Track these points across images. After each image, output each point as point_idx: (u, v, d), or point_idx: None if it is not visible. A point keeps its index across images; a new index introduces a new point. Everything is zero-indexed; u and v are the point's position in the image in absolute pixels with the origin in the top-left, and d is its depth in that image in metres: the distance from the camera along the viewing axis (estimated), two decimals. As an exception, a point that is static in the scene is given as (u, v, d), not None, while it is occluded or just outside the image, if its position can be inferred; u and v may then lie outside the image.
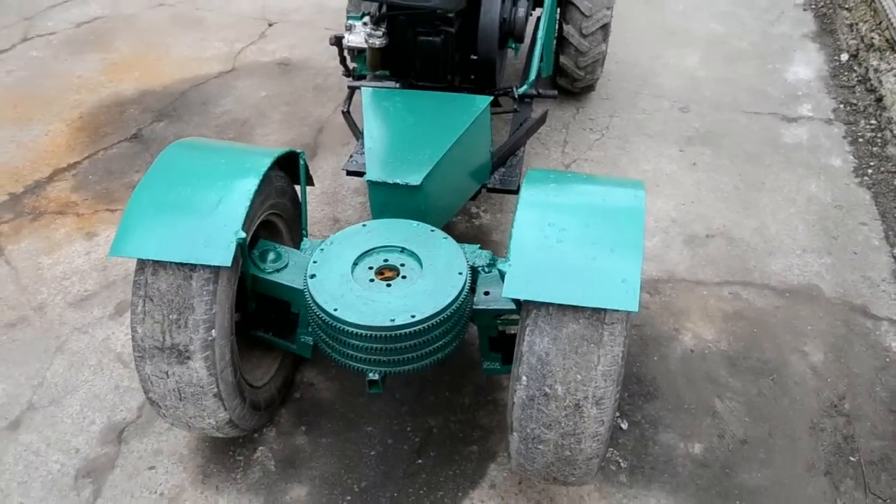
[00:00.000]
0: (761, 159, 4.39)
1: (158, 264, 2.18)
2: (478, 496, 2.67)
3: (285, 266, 2.50)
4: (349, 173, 3.18)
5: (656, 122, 4.66)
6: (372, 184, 2.55)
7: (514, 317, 2.49)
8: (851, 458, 2.85)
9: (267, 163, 2.35)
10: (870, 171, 4.35)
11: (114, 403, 2.97)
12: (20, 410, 2.93)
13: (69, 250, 3.68)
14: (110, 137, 4.41)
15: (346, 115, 3.75)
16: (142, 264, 2.20)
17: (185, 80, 4.89)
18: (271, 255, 2.49)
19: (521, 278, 2.05)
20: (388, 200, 2.56)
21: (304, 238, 2.75)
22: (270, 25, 5.63)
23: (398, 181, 2.52)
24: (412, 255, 2.34)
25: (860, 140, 4.61)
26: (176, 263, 2.16)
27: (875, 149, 4.52)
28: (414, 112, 2.89)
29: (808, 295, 3.54)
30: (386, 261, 2.33)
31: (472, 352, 3.09)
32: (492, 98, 2.95)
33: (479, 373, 3.08)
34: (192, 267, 2.16)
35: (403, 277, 2.27)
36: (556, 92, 3.60)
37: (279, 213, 2.66)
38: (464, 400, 2.98)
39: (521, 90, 3.28)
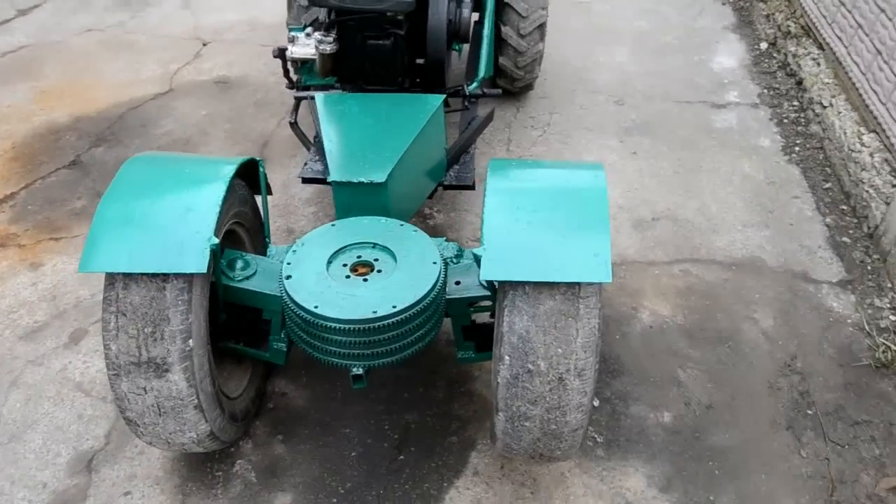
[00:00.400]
0: (696, 144, 4.58)
1: (129, 277, 2.14)
2: (463, 484, 2.70)
3: (254, 273, 2.49)
4: (305, 181, 3.18)
5: (594, 116, 4.81)
6: (336, 185, 2.57)
7: (486, 303, 2.54)
8: (809, 412, 3.00)
9: (231, 170, 2.35)
10: (797, 148, 4.60)
11: (79, 433, 2.88)
12: (-21, 450, 2.82)
13: (14, 283, 3.55)
14: (47, 166, 4.29)
15: (294, 126, 3.76)
16: (111, 279, 2.16)
17: (121, 104, 4.79)
18: (239, 263, 2.48)
19: (496, 261, 2.11)
20: (353, 200, 2.58)
21: (268, 244, 2.75)
22: (205, 45, 5.57)
23: (363, 179, 2.55)
24: (384, 249, 2.37)
25: (785, 121, 4.86)
26: (149, 275, 2.13)
27: (800, 128, 4.78)
28: (369, 114, 2.93)
29: (753, 266, 3.72)
30: (359, 257, 2.36)
31: (441, 347, 3.14)
32: (444, 96, 3.01)
33: (450, 367, 3.13)
34: (165, 277, 2.14)
35: (379, 272, 2.30)
36: (500, 90, 3.69)
37: (242, 222, 2.65)
38: (438, 394, 3.01)
39: (472, 88, 3.35)
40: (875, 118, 4.16)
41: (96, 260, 2.08)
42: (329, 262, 2.32)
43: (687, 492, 2.70)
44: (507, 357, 2.17)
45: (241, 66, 5.24)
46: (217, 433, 2.41)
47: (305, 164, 3.29)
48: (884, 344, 3.26)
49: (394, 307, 2.14)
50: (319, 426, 2.88)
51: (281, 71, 3.56)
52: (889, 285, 3.59)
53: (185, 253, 2.08)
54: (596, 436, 2.87)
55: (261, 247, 2.84)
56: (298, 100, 3.77)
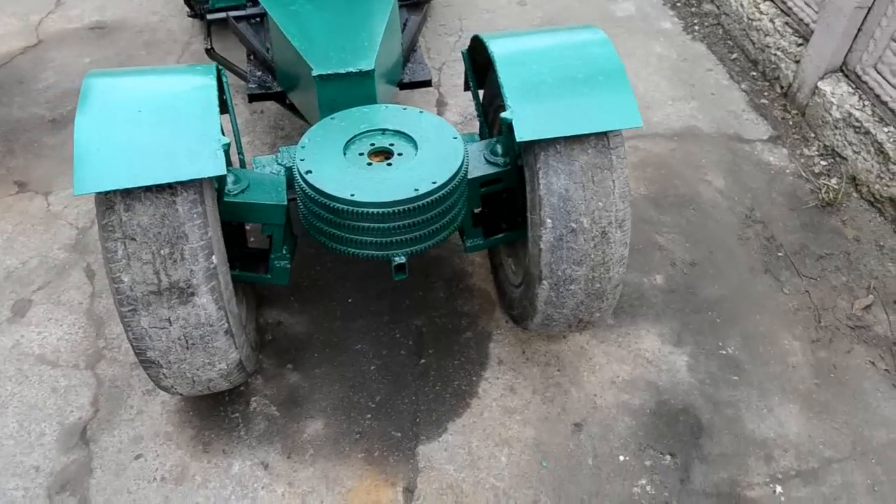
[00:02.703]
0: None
1: (131, 196, 1.88)
2: (491, 374, 2.66)
3: (248, 186, 2.27)
4: (253, 98, 2.93)
5: (502, 18, 4.76)
6: (321, 79, 2.36)
7: (495, 183, 2.46)
8: (779, 254, 3.18)
9: (213, 71, 2.10)
10: (696, 27, 4.78)
11: (59, 407, 2.56)
12: (-56, 445, 2.44)
13: (-82, 269, 3.07)
14: (-82, 138, 3.71)
15: (211, 52, 3.46)
16: (109, 202, 1.88)
17: (-15, 62, 4.20)
18: (230, 178, 2.24)
19: (527, 121, 2.03)
20: (339, 93, 2.39)
21: (241, 157, 2.52)
22: (63, -8, 4.98)
23: (350, 69, 2.36)
24: (397, 134, 2.22)
25: (678, 4, 5.03)
26: (154, 189, 1.88)
27: (693, 9, 4.96)
28: (324, 8, 2.70)
29: (692, 134, 3.86)
30: (373, 144, 2.19)
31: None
32: (398, -16, 2.84)
33: (442, 268, 3.04)
34: (174, 190, 1.89)
35: (400, 154, 2.16)
36: None
37: (215, 136, 2.40)
38: (439, 295, 2.93)
39: None
40: (767, -14, 4.38)
41: (93, 179, 1.79)
42: (344, 153, 2.14)
43: (698, 343, 2.80)
44: (548, 220, 2.11)
45: (116, 10, 4.72)
46: (244, 362, 2.21)
47: (248, 81, 3.03)
48: (825, 185, 3.50)
49: (434, 183, 2.02)
50: (328, 347, 2.72)
51: (161, 11, 3.22)
52: (812, 135, 3.84)
53: (197, 157, 1.84)
54: (603, 306, 2.90)
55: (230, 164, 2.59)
56: (210, 24, 3.46)
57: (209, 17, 3.35)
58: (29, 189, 3.44)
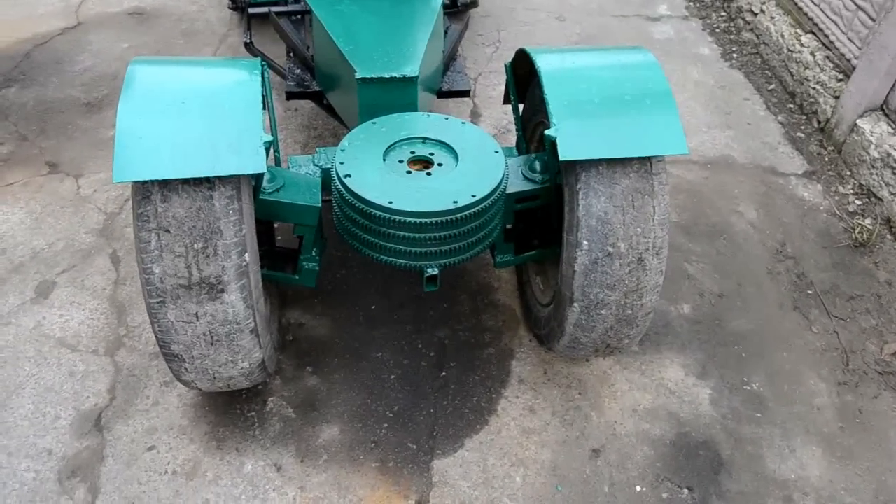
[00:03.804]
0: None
1: (168, 188, 1.86)
2: (511, 393, 2.62)
3: (283, 185, 2.25)
4: (291, 96, 2.92)
5: (541, 32, 4.74)
6: (363, 82, 2.34)
7: (531, 200, 2.43)
8: (809, 292, 3.13)
9: (258, 66, 2.09)
10: (734, 55, 4.74)
11: (76, 392, 2.55)
12: (-41, 422, 2.44)
13: (-55, 242, 3.08)
14: (-47, 113, 3.72)
15: (250, 46, 3.45)
16: (146, 192, 1.87)
17: (24, 41, 4.22)
18: (267, 176, 2.23)
19: (572, 140, 2.00)
20: (381, 98, 2.37)
21: (278, 155, 2.51)
22: (106, -24, 5.00)
23: (394, 74, 2.34)
24: (438, 143, 2.20)
25: (717, 31, 5.00)
26: (192, 182, 1.86)
27: (732, 36, 4.92)
28: (371, 11, 2.69)
29: (726, 164, 3.81)
30: (413, 153, 2.17)
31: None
32: (444, -8, 2.83)
33: (468, 280, 3.02)
34: (212, 185, 1.88)
35: (440, 165, 2.13)
36: None
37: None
38: (464, 308, 2.90)
39: None
40: (810, 19, 4.34)
41: (133, 167, 1.78)
42: (383, 160, 2.12)
43: (723, 376, 2.75)
44: (585, 242, 2.08)
45: (156, -3, 4.75)
46: (267, 362, 2.19)
47: (287, 79, 3.02)
48: (858, 225, 3.45)
49: (473, 196, 1.99)
50: (349, 353, 2.70)
51: (201, 1, 3.23)
52: (848, 173, 3.78)
53: (238, 152, 1.82)
54: (627, 332, 2.86)
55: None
56: (251, 18, 3.46)
57: (251, 10, 3.35)
58: (60, 170, 3.44)
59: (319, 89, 2.91)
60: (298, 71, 3.01)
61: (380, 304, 2.88)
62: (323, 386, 2.59)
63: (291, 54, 3.12)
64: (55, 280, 2.91)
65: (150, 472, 2.34)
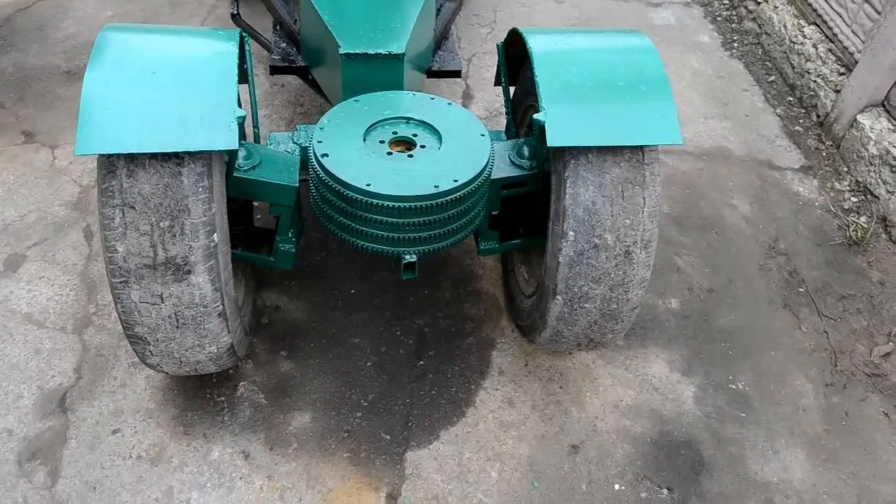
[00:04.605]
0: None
1: (135, 162, 1.77)
2: (490, 385, 2.55)
3: (259, 163, 2.15)
4: (275, 70, 2.81)
5: (538, 14, 4.63)
6: (347, 58, 2.24)
7: (518, 187, 2.34)
8: (800, 290, 3.06)
9: (236, 37, 1.99)
10: (735, 44, 4.64)
11: (41, 370, 2.46)
12: (-82, 397, 2.35)
13: (-87, 210, 2.97)
14: (-74, 75, 3.60)
15: (237, 17, 3.32)
16: (111, 166, 1.78)
17: (5, 5, 4.09)
18: (242, 153, 2.13)
19: (561, 126, 1.91)
20: (365, 75, 2.27)
21: (257, 132, 2.41)
22: (91, -61, 4.85)
23: (380, 51, 2.24)
24: (421, 124, 2.10)
25: (718, 19, 4.89)
26: (160, 157, 1.77)
27: (734, 25, 4.82)
28: (360, -17, 2.58)
29: (722, 155, 3.73)
30: (395, 133, 2.08)
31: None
32: (436, -35, 2.71)
33: (451, 267, 2.93)
34: (180, 160, 1.78)
35: (423, 147, 2.04)
36: None
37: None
38: (445, 294, 2.82)
39: None
40: (815, 10, 4.23)
41: (98, 139, 1.69)
42: (364, 140, 2.02)
43: (708, 374, 2.68)
44: (571, 233, 2.00)
45: (144, -37, 4.60)
46: (236, 346, 2.10)
47: (272, 52, 2.91)
48: (853, 223, 3.37)
49: (455, 181, 1.90)
50: (325, 338, 2.62)
51: None
52: (845, 169, 3.71)
53: (209, 127, 1.73)
54: (613, 325, 2.79)
55: (244, 137, 2.48)
56: (239, -12, 3.33)
57: (239, -20, 3.22)
58: (36, 140, 3.33)
59: (304, 64, 2.80)
60: (284, 45, 2.90)
61: (359, 288, 2.80)
62: (296, 371, 2.52)
63: (277, 27, 3.01)
64: (25, 253, 2.82)
65: (113, 457, 2.26)
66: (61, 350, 2.52)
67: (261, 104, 3.58)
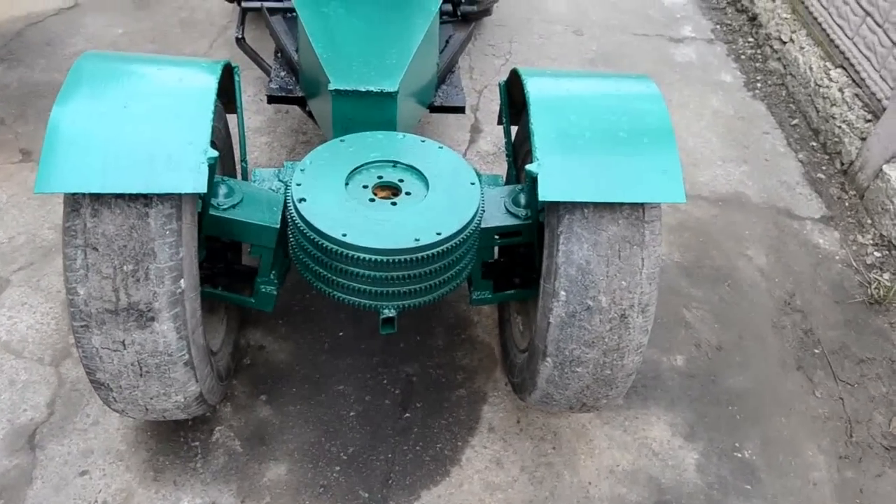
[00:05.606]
0: (661, 78, 4.38)
1: (100, 202, 1.68)
2: (478, 442, 2.41)
3: (240, 201, 2.05)
4: (272, 100, 2.73)
5: (555, 46, 4.52)
6: (337, 94, 2.14)
7: (513, 236, 2.22)
8: (815, 351, 2.90)
9: (217, 70, 1.90)
10: (758, 84, 4.50)
11: (13, 403, 2.37)
12: None
13: None
14: (-68, 90, 3.57)
15: (241, 41, 3.26)
16: (75, 204, 1.69)
17: (18, 18, 4.07)
18: (223, 189, 2.03)
19: (555, 179, 1.79)
20: (356, 112, 2.17)
21: (245, 166, 2.31)
22: (110, -43, 4.84)
23: (371, 88, 2.14)
24: (409, 169, 1.99)
25: (742, 57, 4.75)
26: (126, 198, 1.67)
27: (758, 64, 4.68)
28: (358, 16, 2.49)
29: (738, 202, 3.58)
30: (380, 178, 1.97)
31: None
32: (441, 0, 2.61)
33: (445, 312, 2.81)
34: (148, 201, 1.69)
35: (408, 194, 1.92)
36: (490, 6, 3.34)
37: (214, 140, 2.19)
38: (437, 342, 2.69)
39: None
40: (842, 53, 4.08)
41: (58, 177, 1.60)
42: (346, 184, 1.92)
43: (712, 439, 2.52)
44: (562, 292, 1.87)
45: (159, -18, 4.58)
46: (206, 395, 1.99)
47: (270, 80, 2.83)
48: (875, 280, 3.20)
49: (438, 234, 1.79)
50: (308, 383, 2.50)
51: None
52: (869, 221, 3.54)
53: (177, 168, 1.63)
54: (613, 382, 2.64)
55: (231, 171, 2.39)
56: (245, 12, 3.27)
57: (244, 4, 3.16)
58: (32, 159, 3.28)
59: (302, 95, 2.71)
60: (283, 73, 2.82)
61: (347, 331, 2.68)
62: (276, 418, 2.40)
63: (279, 55, 2.93)
64: (9, 278, 2.74)
65: (78, 500, 2.16)
66: (36, 383, 2.43)
67: (263, 131, 3.50)
